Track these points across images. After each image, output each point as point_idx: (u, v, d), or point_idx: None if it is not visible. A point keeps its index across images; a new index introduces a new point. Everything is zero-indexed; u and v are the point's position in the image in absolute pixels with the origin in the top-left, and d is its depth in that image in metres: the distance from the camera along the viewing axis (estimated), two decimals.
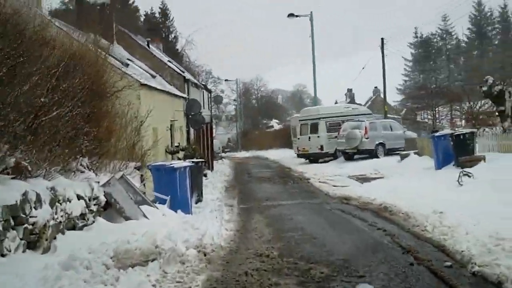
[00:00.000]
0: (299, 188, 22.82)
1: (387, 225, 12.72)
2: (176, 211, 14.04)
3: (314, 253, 10.07)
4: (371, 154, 32.68)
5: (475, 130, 23.11)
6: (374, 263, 9.13)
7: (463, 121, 56.96)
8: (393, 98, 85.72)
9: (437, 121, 58.23)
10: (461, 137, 20.52)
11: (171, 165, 14.57)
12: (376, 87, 77.23)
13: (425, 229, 11.27)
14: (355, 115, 36.88)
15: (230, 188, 24.42)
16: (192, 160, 17.87)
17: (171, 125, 25.71)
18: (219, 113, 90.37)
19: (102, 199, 11.48)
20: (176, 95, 27.14)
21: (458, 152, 20.26)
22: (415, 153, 27.32)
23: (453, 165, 20.67)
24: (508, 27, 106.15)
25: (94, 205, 11.17)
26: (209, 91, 49.78)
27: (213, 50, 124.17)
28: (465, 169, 16.82)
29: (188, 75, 33.48)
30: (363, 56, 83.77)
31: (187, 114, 29.68)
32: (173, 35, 67.65)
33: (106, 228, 10.67)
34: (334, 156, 35.70)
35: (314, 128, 36.16)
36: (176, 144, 25.79)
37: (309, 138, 36.36)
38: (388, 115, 45.61)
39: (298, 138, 37.82)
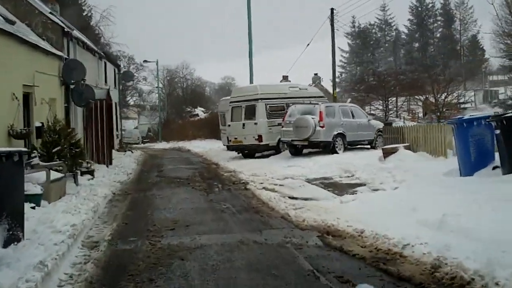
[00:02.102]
0: (233, 201, 13.55)
1: None
2: None
3: None
4: (327, 148, 23.96)
5: None
6: None
7: (422, 113, 49.65)
8: (329, 90, 78.46)
9: (390, 112, 50.26)
10: None
11: None
12: (316, 74, 68.33)
13: None
14: (304, 97, 27.85)
15: (118, 199, 14.86)
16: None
17: (25, 94, 15.92)
18: (143, 103, 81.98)
19: None
20: (38, 48, 17.14)
21: None
22: (405, 147, 18.47)
23: (494, 168, 12.08)
24: (450, 20, 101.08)
25: None
26: (117, 66, 39.31)
27: (136, 34, 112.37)
28: None
29: (77, 33, 23.24)
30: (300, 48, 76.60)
31: (66, 83, 19.90)
32: (86, 13, 56.55)
33: None
34: (276, 149, 26.70)
35: (251, 112, 26.89)
36: (38, 123, 16.06)
37: (244, 125, 27.05)
38: None
39: (229, 125, 28.31)
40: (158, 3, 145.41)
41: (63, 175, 13.80)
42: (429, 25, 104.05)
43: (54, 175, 13.10)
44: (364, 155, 21.57)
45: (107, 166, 23.05)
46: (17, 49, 15.04)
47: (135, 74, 68.33)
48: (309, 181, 16.78)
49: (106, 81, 31.49)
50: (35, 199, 11.40)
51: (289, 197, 13.50)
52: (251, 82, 32.29)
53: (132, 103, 78.79)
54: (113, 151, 32.27)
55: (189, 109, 71.77)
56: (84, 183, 16.31)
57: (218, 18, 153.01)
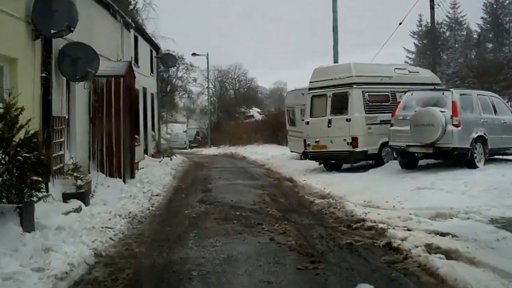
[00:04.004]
0: None
1: None
2: None
3: None
4: (462, 158, 15.15)
5: None
6: None
7: None
8: None
9: None
10: None
11: None
12: None
13: None
14: (416, 84, 18.90)
15: (95, 277, 6.25)
16: None
17: None
18: (192, 106, 76.62)
19: None
20: None
21: None
22: None
23: None
24: None
25: None
26: (155, 48, 30.43)
27: (184, 35, 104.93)
28: None
29: None
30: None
31: (45, 36, 11.14)
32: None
33: None
34: (377, 159, 17.91)
35: (341, 104, 18.08)
36: None
37: (330, 122, 18.27)
38: None
39: (307, 123, 19.53)
40: (205, 3, 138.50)
41: None
42: (505, 24, 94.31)
43: None
44: None
45: (124, 181, 14.68)
46: None
47: (184, 74, 63.44)
48: (504, 226, 8.16)
49: (137, 63, 23.13)
50: None
51: None
52: (335, 62, 23.04)
53: (181, 105, 73.66)
54: (146, 157, 23.99)
55: (243, 109, 63.80)
56: (49, 224, 7.90)
57: (268, 23, 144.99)
